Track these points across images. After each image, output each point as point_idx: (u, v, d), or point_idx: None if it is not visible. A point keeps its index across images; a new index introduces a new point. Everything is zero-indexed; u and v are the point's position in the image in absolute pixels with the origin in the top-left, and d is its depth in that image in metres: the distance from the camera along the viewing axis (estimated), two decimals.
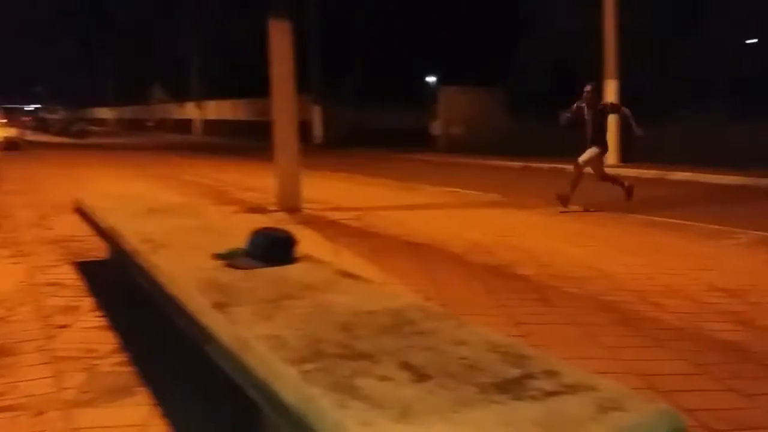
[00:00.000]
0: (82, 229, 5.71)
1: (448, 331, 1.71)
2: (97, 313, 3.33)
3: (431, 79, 26.16)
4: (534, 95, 17.25)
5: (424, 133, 19.51)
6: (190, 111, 34.28)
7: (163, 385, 2.45)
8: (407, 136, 19.58)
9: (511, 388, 1.31)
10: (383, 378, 1.40)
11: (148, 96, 40.54)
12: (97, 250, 4.76)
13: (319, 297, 2.05)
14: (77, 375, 2.57)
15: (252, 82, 19.28)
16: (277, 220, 6.24)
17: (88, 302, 3.51)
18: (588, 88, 7.34)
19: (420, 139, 19.21)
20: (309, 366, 1.46)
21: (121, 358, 2.75)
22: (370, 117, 22.16)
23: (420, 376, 1.40)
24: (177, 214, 3.73)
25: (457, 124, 18.84)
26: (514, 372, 1.40)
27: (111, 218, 3.37)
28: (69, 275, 4.10)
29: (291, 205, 7.19)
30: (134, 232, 3.01)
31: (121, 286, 3.46)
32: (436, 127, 19.24)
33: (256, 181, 9.97)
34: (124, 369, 2.63)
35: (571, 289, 3.90)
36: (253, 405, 1.62)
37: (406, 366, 1.46)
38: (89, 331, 3.09)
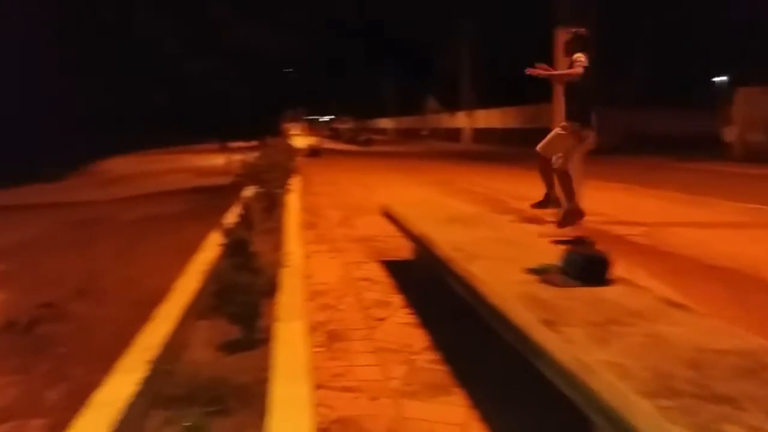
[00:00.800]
0: (381, 229, 6.38)
1: None
2: (408, 310, 3.68)
3: (720, 78, 23.18)
4: None
5: (712, 139, 17.36)
6: (460, 120, 35.80)
7: (479, 388, 2.60)
8: (690, 143, 17.65)
9: None
10: (755, 429, 1.30)
11: (422, 107, 43.50)
12: (398, 250, 5.26)
13: (650, 326, 1.97)
14: (399, 367, 2.88)
15: (520, 90, 19.34)
16: (556, 233, 6.15)
17: (398, 299, 3.90)
18: (576, 31, 5.12)
19: (707, 146, 17.15)
20: (665, 402, 1.42)
21: (434, 356, 3.00)
22: (647, 121, 20.47)
23: None
24: (475, 224, 3.93)
25: (758, 130, 16.36)
26: None
27: (422, 226, 3.70)
28: (378, 272, 4.60)
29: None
30: (445, 241, 3.26)
31: (427, 287, 3.79)
32: (729, 133, 16.99)
33: (528, 190, 9.93)
34: (439, 367, 2.86)
35: None
36: (580, 420, 1.64)
37: None
38: (403, 326, 3.43)
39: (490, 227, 3.93)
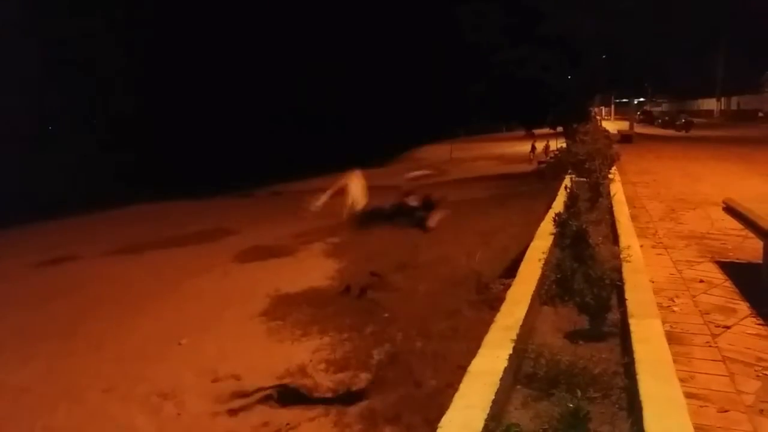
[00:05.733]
0: (713, 225, 5.78)
1: None
2: (756, 320, 3.30)
3: None
4: None
5: None
6: None
7: None
8: None
9: None
10: None
11: (759, 84, 37.21)
12: (738, 250, 4.71)
13: None
14: (752, 381, 2.62)
15: None
16: None
17: (743, 306, 3.51)
18: None
19: None
20: None
21: None
22: None
23: None
24: None
25: None
26: None
27: None
28: (714, 274, 4.18)
29: None
30: None
31: None
32: None
33: None
34: None
35: None
36: None
37: None
38: (751, 337, 3.09)
39: None
